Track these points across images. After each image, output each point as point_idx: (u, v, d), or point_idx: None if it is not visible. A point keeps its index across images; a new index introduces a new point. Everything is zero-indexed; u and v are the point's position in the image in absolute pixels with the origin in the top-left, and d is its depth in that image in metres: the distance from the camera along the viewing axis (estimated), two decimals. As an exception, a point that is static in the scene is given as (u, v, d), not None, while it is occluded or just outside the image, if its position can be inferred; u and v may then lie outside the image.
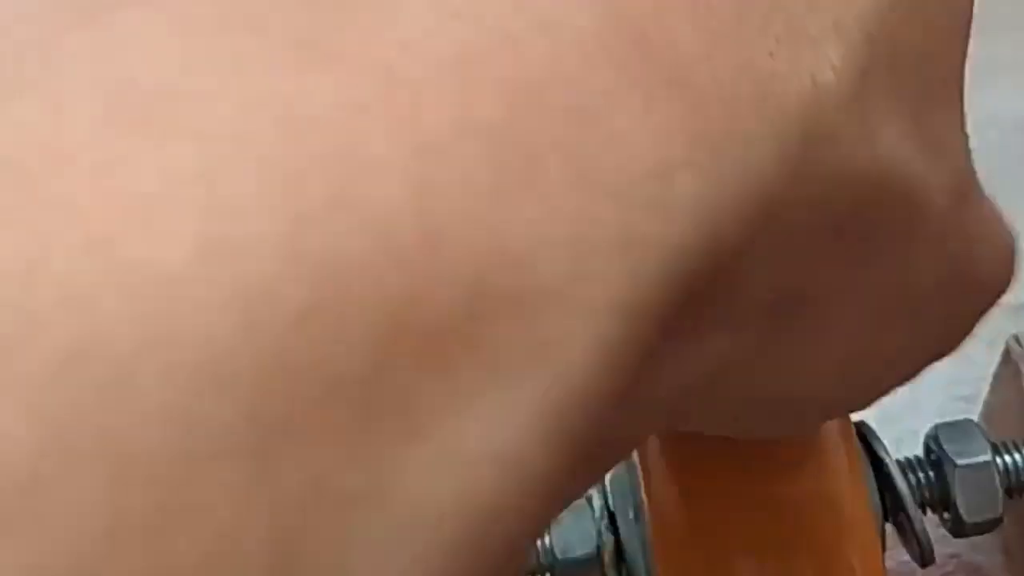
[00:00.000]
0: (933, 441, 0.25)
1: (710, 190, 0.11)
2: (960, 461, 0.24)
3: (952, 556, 0.33)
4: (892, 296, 0.16)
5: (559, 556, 0.24)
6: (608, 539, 0.24)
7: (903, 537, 0.24)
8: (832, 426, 0.22)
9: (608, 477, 0.26)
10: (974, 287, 0.17)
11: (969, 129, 0.18)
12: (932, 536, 0.31)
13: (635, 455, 0.24)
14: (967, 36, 0.18)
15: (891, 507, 0.23)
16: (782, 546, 0.21)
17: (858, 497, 0.21)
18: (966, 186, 0.17)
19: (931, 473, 0.25)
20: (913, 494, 0.24)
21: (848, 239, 0.15)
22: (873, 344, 0.16)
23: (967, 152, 0.17)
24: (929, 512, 0.25)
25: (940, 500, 0.25)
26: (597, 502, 0.25)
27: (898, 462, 0.24)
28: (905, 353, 0.17)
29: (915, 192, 0.16)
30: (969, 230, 0.17)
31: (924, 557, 0.24)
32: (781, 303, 0.15)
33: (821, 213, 0.14)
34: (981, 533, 0.25)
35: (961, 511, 0.24)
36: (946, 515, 0.25)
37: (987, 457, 0.24)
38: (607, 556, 0.24)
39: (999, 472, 0.24)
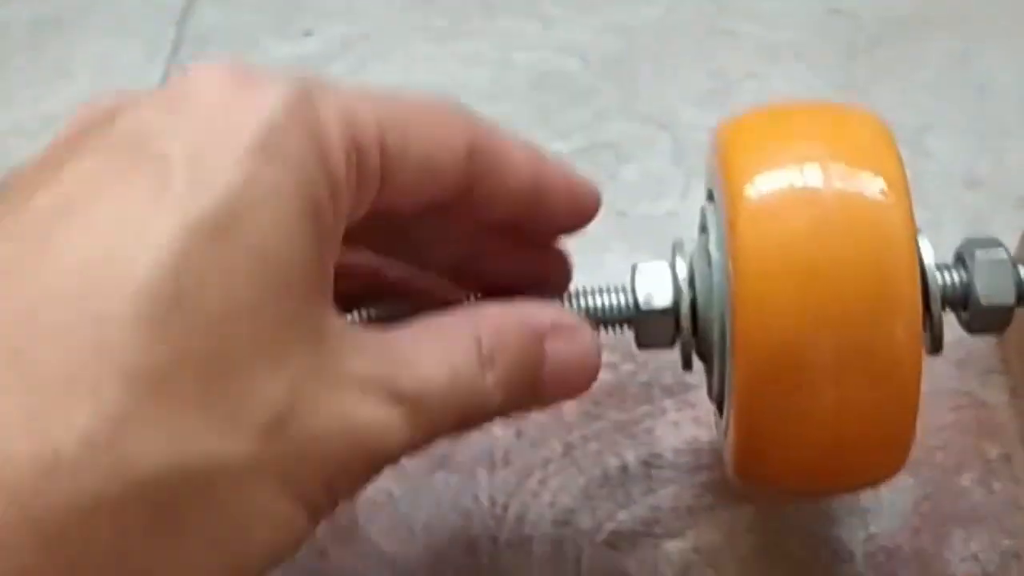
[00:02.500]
0: (962, 249, 0.29)
1: None
2: (981, 254, 0.27)
3: (963, 392, 0.36)
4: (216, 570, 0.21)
5: (641, 307, 0.28)
6: (687, 293, 0.28)
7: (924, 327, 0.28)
8: (897, 223, 0.25)
9: (688, 244, 0.30)
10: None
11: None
12: (946, 375, 0.35)
13: (719, 198, 0.28)
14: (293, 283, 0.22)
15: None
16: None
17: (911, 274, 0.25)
18: (263, 445, 0.21)
19: (956, 275, 0.28)
20: (943, 290, 0.27)
21: (166, 519, 0.19)
22: None
23: (278, 406, 0.21)
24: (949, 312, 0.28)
25: (961, 298, 0.28)
26: (679, 263, 0.29)
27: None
28: None
29: (201, 471, 0.20)
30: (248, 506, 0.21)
31: (934, 344, 0.27)
32: None
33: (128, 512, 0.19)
34: (994, 330, 0.28)
35: (978, 295, 0.27)
36: (964, 313, 0.28)
37: (1006, 257, 0.28)
38: (684, 307, 0.28)
39: (1015, 273, 0.28)
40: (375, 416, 0.23)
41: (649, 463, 0.35)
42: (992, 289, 0.27)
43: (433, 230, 0.29)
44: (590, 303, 0.29)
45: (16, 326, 0.19)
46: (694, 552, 0.33)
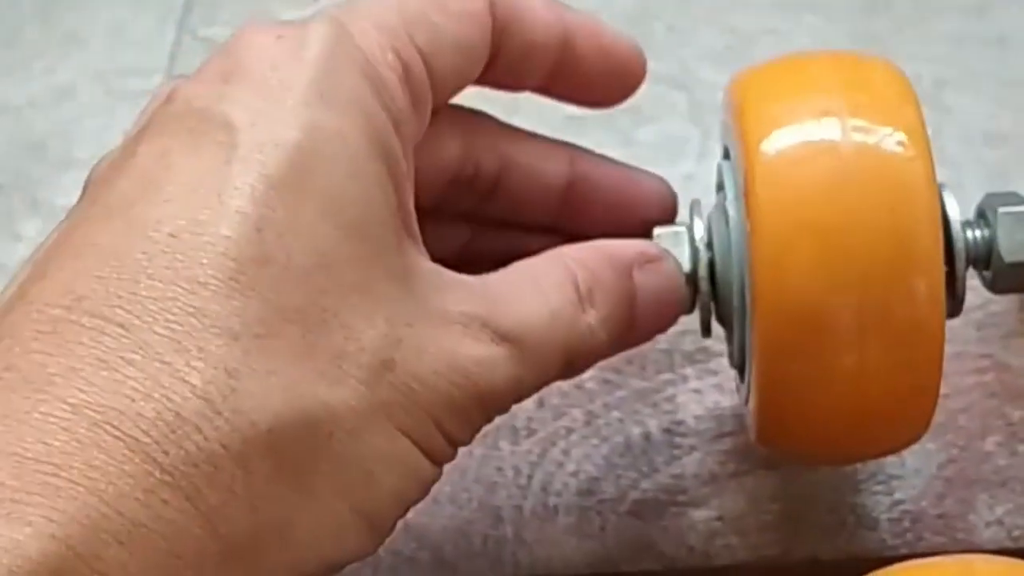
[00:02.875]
0: (984, 204, 0.28)
1: None
2: (1002, 209, 0.27)
3: (985, 356, 0.36)
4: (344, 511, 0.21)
5: None
6: (704, 255, 0.28)
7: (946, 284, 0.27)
8: (919, 176, 0.25)
9: (706, 204, 0.29)
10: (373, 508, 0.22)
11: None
12: (968, 338, 0.35)
13: (736, 156, 0.27)
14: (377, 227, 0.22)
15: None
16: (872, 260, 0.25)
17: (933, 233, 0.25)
18: (375, 398, 0.21)
19: (977, 232, 0.28)
20: (966, 248, 0.27)
21: (289, 469, 0.20)
22: None
23: (385, 345, 0.22)
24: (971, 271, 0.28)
25: (983, 256, 0.28)
26: (697, 224, 0.29)
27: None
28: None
29: (316, 419, 0.21)
30: (370, 450, 0.21)
31: (956, 307, 0.27)
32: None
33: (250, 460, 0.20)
34: (1018, 289, 0.28)
35: (1001, 251, 0.27)
36: (986, 272, 0.28)
37: None
38: (702, 270, 0.28)
39: None
40: (479, 354, 0.23)
41: (671, 431, 0.35)
42: (1016, 246, 0.27)
43: (521, 190, 0.29)
44: None
45: (121, 304, 0.20)
46: (719, 520, 0.33)
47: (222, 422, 0.19)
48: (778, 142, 0.26)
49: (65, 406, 0.19)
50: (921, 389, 0.26)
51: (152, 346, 0.19)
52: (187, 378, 0.19)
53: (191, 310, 0.20)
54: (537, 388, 0.25)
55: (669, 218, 0.31)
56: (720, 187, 0.30)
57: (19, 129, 0.49)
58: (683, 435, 0.35)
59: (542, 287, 0.25)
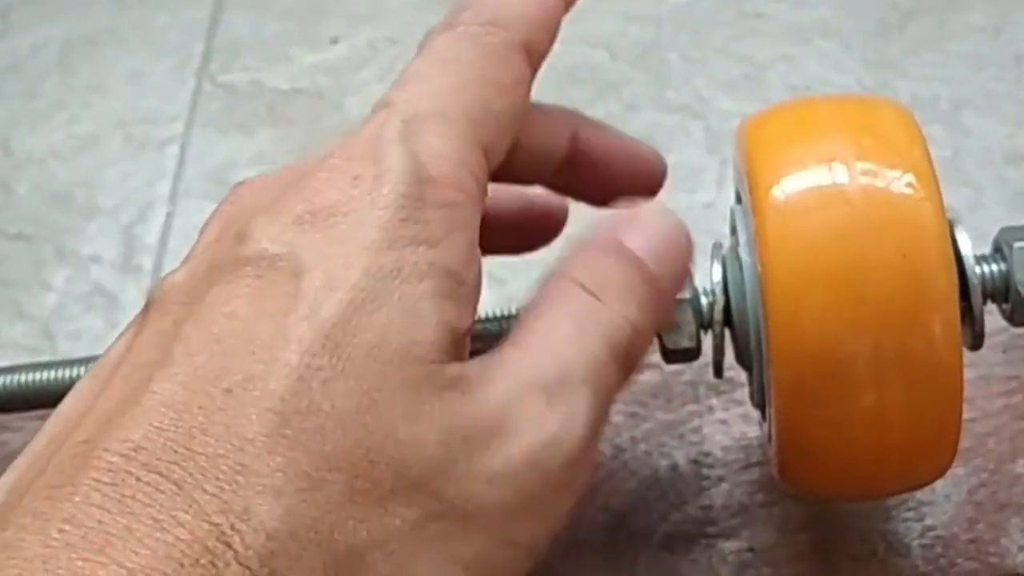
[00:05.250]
0: (1000, 238, 0.28)
1: None
2: (1018, 243, 0.27)
3: (1013, 378, 0.36)
4: None
5: (668, 347, 0.28)
6: (720, 299, 0.28)
7: (961, 321, 0.27)
8: (929, 217, 0.25)
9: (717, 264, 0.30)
10: None
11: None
12: (994, 361, 0.35)
13: (745, 202, 0.27)
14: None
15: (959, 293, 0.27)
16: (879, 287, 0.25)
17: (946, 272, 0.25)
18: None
19: (995, 267, 0.27)
20: (982, 283, 0.27)
21: None
22: None
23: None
24: (990, 303, 0.28)
25: (1001, 290, 0.28)
26: (715, 269, 0.29)
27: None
28: None
29: (361, 558, 0.20)
30: None
31: (976, 341, 0.27)
32: None
33: None
34: None
35: (1019, 285, 0.27)
36: (1005, 306, 0.28)
37: None
38: (717, 312, 0.28)
39: None
40: (543, 431, 0.22)
41: (699, 463, 0.35)
42: (1034, 285, 0.27)
43: (522, 159, 0.28)
44: None
45: (176, 460, 0.20)
46: (749, 551, 0.33)
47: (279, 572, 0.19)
48: (787, 188, 0.26)
49: (122, 571, 0.19)
50: (941, 427, 0.26)
51: (201, 506, 0.19)
52: (231, 542, 0.19)
53: (238, 468, 0.20)
54: (609, 410, 0.24)
55: (658, 188, 0.30)
56: (734, 230, 0.30)
57: (43, 180, 0.50)
58: (711, 466, 0.35)
59: (558, 320, 0.24)
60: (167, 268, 0.48)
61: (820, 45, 0.50)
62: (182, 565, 0.19)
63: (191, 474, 0.20)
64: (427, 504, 0.21)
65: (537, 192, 0.30)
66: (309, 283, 0.22)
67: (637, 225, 0.26)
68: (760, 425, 0.32)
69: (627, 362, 0.24)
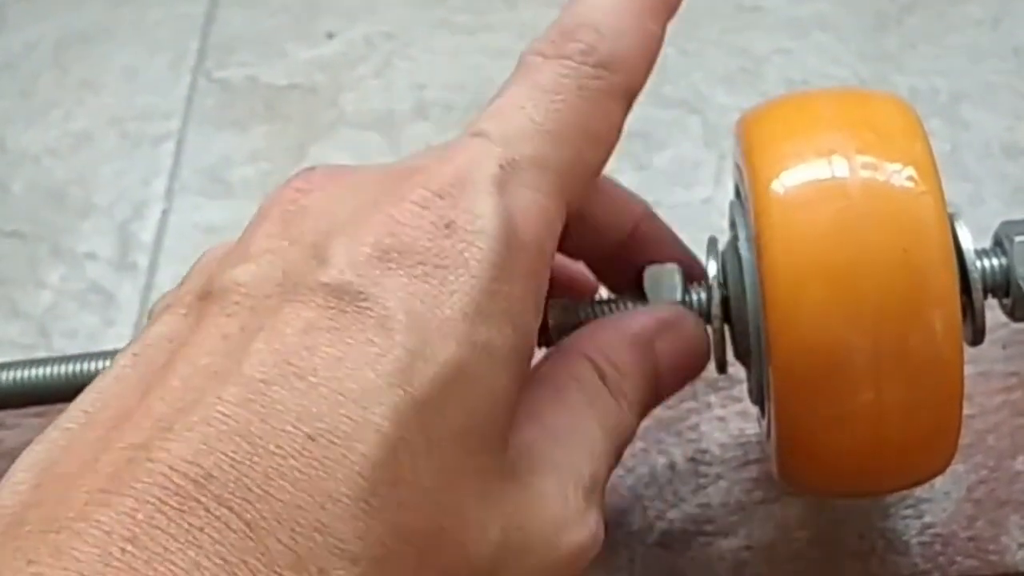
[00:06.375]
0: (1000, 232, 0.28)
1: None
2: (1019, 237, 0.27)
3: (1012, 374, 0.35)
4: None
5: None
6: (718, 294, 0.28)
7: (961, 317, 0.27)
8: (929, 211, 0.25)
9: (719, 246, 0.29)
10: None
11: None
12: (994, 357, 0.34)
13: (745, 196, 0.27)
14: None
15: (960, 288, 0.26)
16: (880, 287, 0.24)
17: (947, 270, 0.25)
18: None
19: (996, 261, 0.27)
20: (983, 277, 0.27)
21: None
22: None
23: None
24: (990, 298, 0.28)
25: (1001, 285, 0.27)
26: (711, 264, 0.28)
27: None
28: None
29: None
30: None
31: (976, 336, 0.27)
32: None
33: None
34: None
35: (1019, 280, 0.26)
36: (1005, 300, 0.28)
37: None
38: (715, 308, 0.28)
39: None
40: (580, 534, 0.23)
41: (697, 460, 0.35)
42: (1034, 279, 0.26)
43: (581, 233, 0.28)
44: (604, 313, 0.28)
45: (249, 498, 0.19)
46: (747, 549, 0.33)
47: None
48: (787, 183, 0.26)
49: None
50: (942, 423, 0.26)
51: (273, 556, 0.19)
52: None
53: (317, 525, 0.19)
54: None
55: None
56: (732, 225, 0.29)
57: (38, 177, 0.49)
58: (708, 464, 0.35)
59: (585, 418, 0.25)
60: (163, 266, 0.48)
61: (818, 38, 0.50)
62: None
63: (265, 519, 0.19)
64: None
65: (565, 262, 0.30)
66: (400, 343, 0.21)
67: (674, 332, 0.27)
68: (759, 422, 0.32)
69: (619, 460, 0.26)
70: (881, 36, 0.49)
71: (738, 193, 0.29)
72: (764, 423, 0.29)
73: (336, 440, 0.20)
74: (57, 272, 0.46)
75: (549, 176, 0.23)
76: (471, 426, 0.21)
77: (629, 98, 0.25)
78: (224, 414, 0.20)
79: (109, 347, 0.36)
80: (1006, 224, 0.28)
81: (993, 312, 0.28)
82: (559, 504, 0.23)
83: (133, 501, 0.19)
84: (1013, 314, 0.28)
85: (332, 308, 0.21)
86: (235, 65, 0.52)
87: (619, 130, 0.25)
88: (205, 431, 0.20)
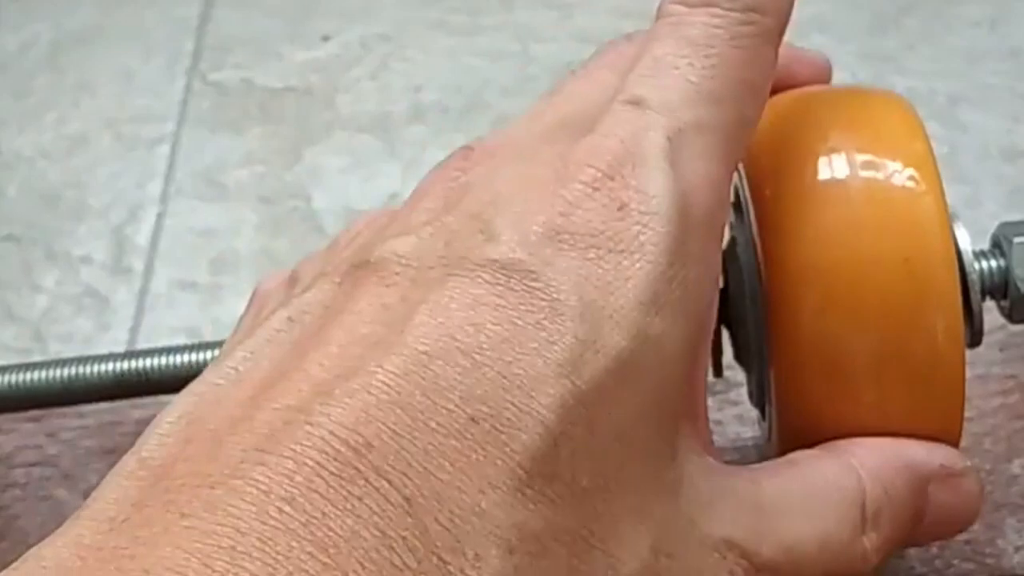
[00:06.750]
0: (999, 233, 0.28)
1: None
2: (1018, 239, 0.27)
3: (1010, 377, 0.35)
4: None
5: None
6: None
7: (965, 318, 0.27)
8: (930, 211, 0.25)
9: None
10: None
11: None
12: (991, 360, 0.34)
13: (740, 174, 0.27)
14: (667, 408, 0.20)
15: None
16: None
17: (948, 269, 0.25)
18: None
19: (994, 263, 0.27)
20: (981, 279, 0.27)
21: None
22: None
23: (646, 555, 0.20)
24: (988, 300, 0.28)
25: (999, 286, 0.27)
26: None
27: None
28: None
29: None
30: None
31: (975, 338, 0.27)
32: None
33: None
34: None
35: (1017, 281, 0.26)
36: (1003, 302, 0.28)
37: None
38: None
39: None
40: None
41: (694, 464, 0.35)
42: (1033, 280, 0.26)
43: None
44: None
45: (408, 473, 0.18)
46: (744, 553, 0.33)
47: None
48: (786, 183, 0.26)
49: None
50: (943, 426, 0.26)
51: (431, 537, 0.18)
52: None
53: (476, 509, 0.18)
54: None
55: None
56: (732, 227, 0.29)
57: (33, 180, 0.49)
58: (705, 467, 0.34)
59: (822, 506, 0.22)
60: (158, 269, 0.47)
61: (815, 39, 0.49)
62: None
63: (424, 496, 0.18)
64: None
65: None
66: (571, 330, 0.20)
67: (956, 485, 0.24)
68: (759, 424, 0.32)
69: None
70: (879, 38, 0.49)
71: (737, 195, 0.29)
72: (765, 426, 0.29)
73: (499, 426, 0.19)
74: (52, 276, 0.46)
75: (715, 142, 0.22)
76: (636, 428, 0.20)
77: (778, 42, 0.23)
78: (386, 384, 0.19)
79: (104, 350, 0.35)
80: (1004, 225, 0.28)
81: (990, 315, 0.27)
82: (713, 563, 0.21)
83: (292, 463, 0.18)
84: (1011, 316, 0.28)
85: (500, 285, 0.20)
86: (230, 67, 0.52)
87: (771, 80, 0.23)
88: (366, 399, 0.19)
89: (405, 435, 0.18)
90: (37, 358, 0.35)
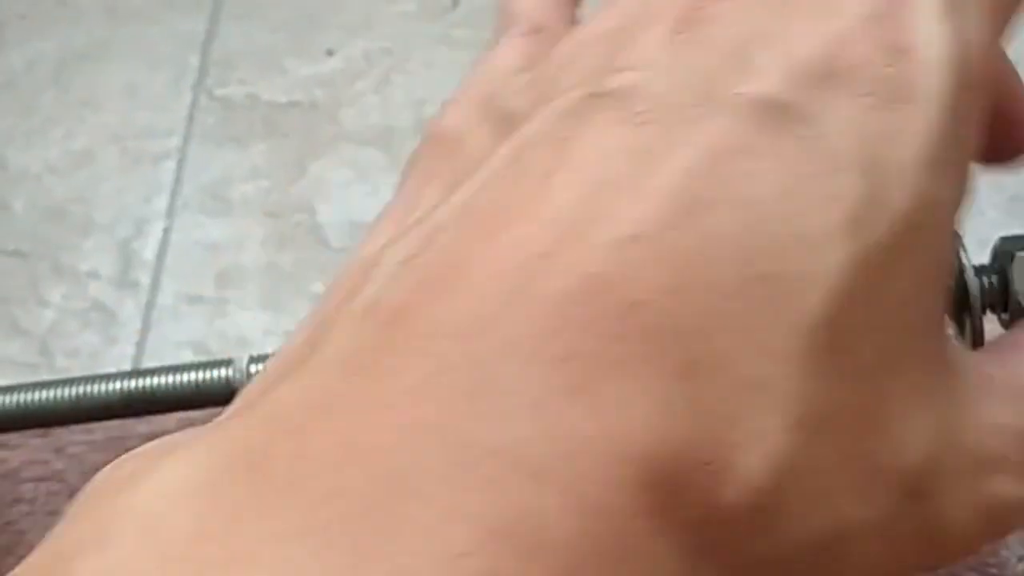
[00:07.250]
0: (999, 248, 0.28)
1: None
2: (1019, 253, 0.27)
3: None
4: None
5: None
6: None
7: (960, 332, 0.27)
8: None
9: None
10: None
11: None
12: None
13: None
14: (938, 277, 0.19)
15: (957, 305, 0.26)
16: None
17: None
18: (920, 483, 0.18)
19: (994, 277, 0.27)
20: (981, 294, 0.27)
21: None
22: None
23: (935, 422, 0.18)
24: (988, 313, 0.28)
25: (1000, 301, 0.27)
26: None
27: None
28: None
29: (836, 537, 0.17)
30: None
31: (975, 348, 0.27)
32: None
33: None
34: None
35: (1018, 296, 0.27)
36: (1004, 316, 0.28)
37: None
38: None
39: None
40: (1009, 492, 0.19)
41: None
42: (1033, 293, 0.26)
43: None
44: None
45: (681, 337, 0.16)
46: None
47: (766, 526, 0.16)
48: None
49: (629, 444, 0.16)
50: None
51: (709, 405, 0.16)
52: (747, 459, 0.16)
53: (758, 381, 0.17)
54: None
55: None
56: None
57: (39, 196, 0.50)
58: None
59: None
60: (165, 283, 0.48)
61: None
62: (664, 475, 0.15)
63: (699, 365, 0.16)
64: (901, 504, 0.18)
65: None
66: (855, 187, 0.18)
67: None
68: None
69: None
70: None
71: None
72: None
73: (784, 288, 0.17)
74: (58, 290, 0.47)
75: (990, 4, 0.20)
76: (917, 297, 0.18)
77: None
78: (646, 234, 0.16)
79: (111, 365, 0.36)
80: (1005, 240, 0.28)
81: (991, 325, 0.28)
82: (992, 463, 0.19)
83: (558, 319, 0.15)
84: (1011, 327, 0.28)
85: (767, 128, 0.18)
86: (235, 82, 0.52)
87: None
88: (631, 250, 0.16)
89: (675, 293, 0.16)
90: (44, 372, 0.36)
